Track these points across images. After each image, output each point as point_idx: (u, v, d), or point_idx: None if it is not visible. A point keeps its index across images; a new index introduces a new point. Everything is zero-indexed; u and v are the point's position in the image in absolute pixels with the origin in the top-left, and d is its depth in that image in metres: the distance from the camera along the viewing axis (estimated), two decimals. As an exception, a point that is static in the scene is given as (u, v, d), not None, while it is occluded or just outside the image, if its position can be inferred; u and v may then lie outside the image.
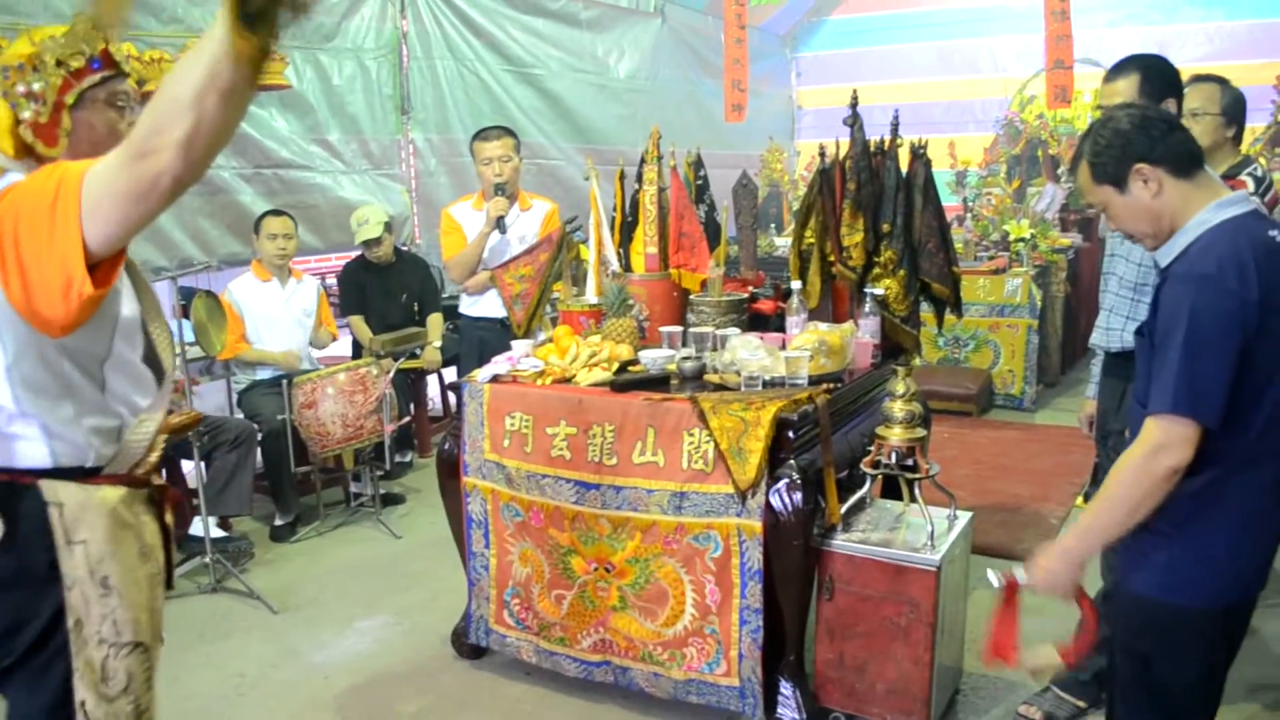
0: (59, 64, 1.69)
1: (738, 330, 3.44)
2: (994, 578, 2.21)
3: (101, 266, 1.49)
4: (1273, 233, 2.01)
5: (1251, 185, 3.49)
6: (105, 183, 1.43)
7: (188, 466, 4.50)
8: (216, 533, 4.43)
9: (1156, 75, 2.83)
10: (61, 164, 1.53)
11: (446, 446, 3.45)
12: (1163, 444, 1.90)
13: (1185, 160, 2.00)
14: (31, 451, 1.70)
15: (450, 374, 6.29)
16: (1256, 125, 7.86)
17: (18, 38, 1.72)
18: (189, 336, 4.15)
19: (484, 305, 4.70)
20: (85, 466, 1.75)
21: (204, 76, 1.29)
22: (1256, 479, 1.99)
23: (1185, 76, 3.66)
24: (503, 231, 4.53)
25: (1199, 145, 2.05)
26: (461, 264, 4.69)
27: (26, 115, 1.68)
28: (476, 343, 4.75)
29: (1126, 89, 2.83)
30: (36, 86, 1.68)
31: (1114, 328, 3.00)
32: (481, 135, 4.63)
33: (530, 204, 4.77)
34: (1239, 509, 2.00)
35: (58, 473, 1.70)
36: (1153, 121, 2.00)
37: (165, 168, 1.36)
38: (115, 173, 1.42)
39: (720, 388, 3.08)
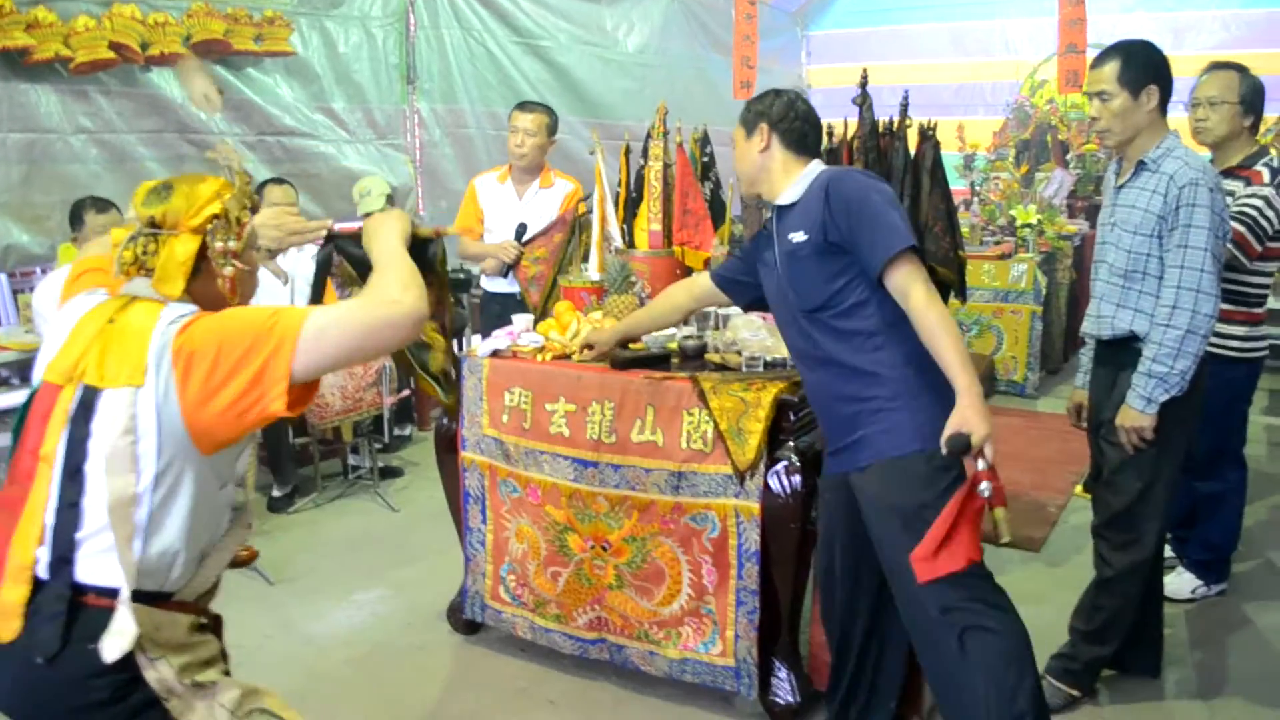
0: (238, 219, 1.79)
1: (740, 310, 3.41)
2: (986, 488, 2.26)
3: (295, 391, 1.63)
4: None
5: (1267, 176, 3.46)
6: (338, 319, 1.63)
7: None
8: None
9: (1137, 61, 2.78)
10: (271, 308, 1.66)
11: (445, 421, 3.43)
12: (920, 273, 2.41)
13: (797, 140, 2.60)
14: (113, 573, 1.64)
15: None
16: (1269, 115, 7.78)
17: (190, 188, 1.75)
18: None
19: (498, 280, 4.62)
20: (161, 591, 1.72)
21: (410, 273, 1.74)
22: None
23: (1202, 64, 3.62)
24: (504, 277, 4.48)
25: (816, 142, 2.66)
26: (460, 251, 4.73)
27: (229, 271, 1.77)
28: (492, 318, 4.70)
29: (1109, 74, 2.80)
30: (233, 244, 1.77)
31: (1105, 315, 2.97)
32: (519, 105, 4.54)
33: (553, 182, 4.58)
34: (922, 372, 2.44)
35: (134, 595, 1.65)
36: (787, 106, 2.61)
37: (411, 309, 1.68)
38: (356, 312, 1.65)
39: (721, 367, 3.05)
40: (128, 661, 1.64)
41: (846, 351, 2.47)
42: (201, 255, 1.75)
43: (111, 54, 4.71)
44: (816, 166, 2.59)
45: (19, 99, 4.58)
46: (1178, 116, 3.14)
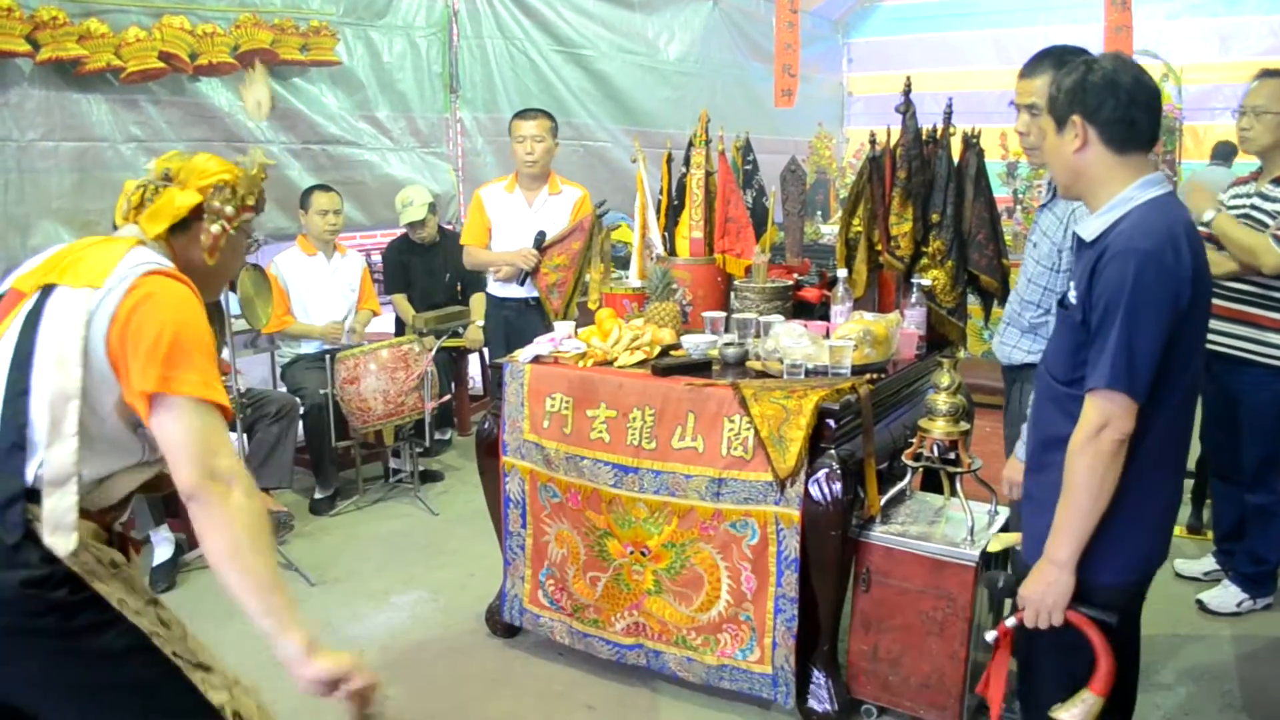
0: (243, 197, 1.99)
1: (781, 317, 3.42)
2: (990, 635, 2.20)
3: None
4: (1187, 214, 2.04)
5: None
6: (203, 426, 1.87)
7: (230, 438, 4.55)
8: (257, 504, 4.48)
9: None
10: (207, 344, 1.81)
11: (486, 426, 3.45)
12: (1104, 419, 1.92)
13: (1121, 134, 1.99)
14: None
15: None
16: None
17: (208, 159, 2.01)
18: (235, 309, 4.19)
19: (510, 286, 4.71)
20: None
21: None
22: (1167, 466, 2.07)
23: (1249, 71, 3.58)
24: (520, 284, 4.60)
25: (1149, 130, 2.01)
26: (472, 259, 4.88)
27: (215, 229, 1.94)
28: (501, 321, 4.80)
29: (1041, 87, 2.60)
30: (229, 209, 1.96)
31: (1006, 342, 3.01)
32: (519, 114, 4.67)
33: (560, 189, 4.73)
34: (1157, 497, 2.06)
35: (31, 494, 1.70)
36: (1119, 88, 1.97)
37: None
38: (203, 434, 1.87)
39: (762, 375, 3.05)
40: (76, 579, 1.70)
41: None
42: (196, 217, 1.93)
43: (161, 64, 4.80)
44: (1139, 190, 1.99)
45: (71, 108, 4.67)
46: (1226, 124, 3.12)
